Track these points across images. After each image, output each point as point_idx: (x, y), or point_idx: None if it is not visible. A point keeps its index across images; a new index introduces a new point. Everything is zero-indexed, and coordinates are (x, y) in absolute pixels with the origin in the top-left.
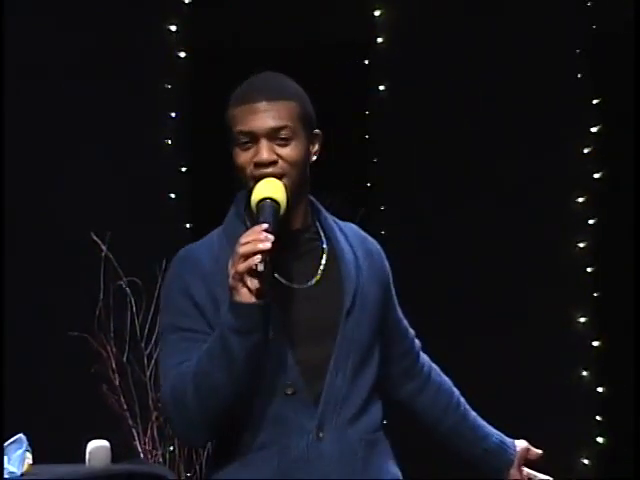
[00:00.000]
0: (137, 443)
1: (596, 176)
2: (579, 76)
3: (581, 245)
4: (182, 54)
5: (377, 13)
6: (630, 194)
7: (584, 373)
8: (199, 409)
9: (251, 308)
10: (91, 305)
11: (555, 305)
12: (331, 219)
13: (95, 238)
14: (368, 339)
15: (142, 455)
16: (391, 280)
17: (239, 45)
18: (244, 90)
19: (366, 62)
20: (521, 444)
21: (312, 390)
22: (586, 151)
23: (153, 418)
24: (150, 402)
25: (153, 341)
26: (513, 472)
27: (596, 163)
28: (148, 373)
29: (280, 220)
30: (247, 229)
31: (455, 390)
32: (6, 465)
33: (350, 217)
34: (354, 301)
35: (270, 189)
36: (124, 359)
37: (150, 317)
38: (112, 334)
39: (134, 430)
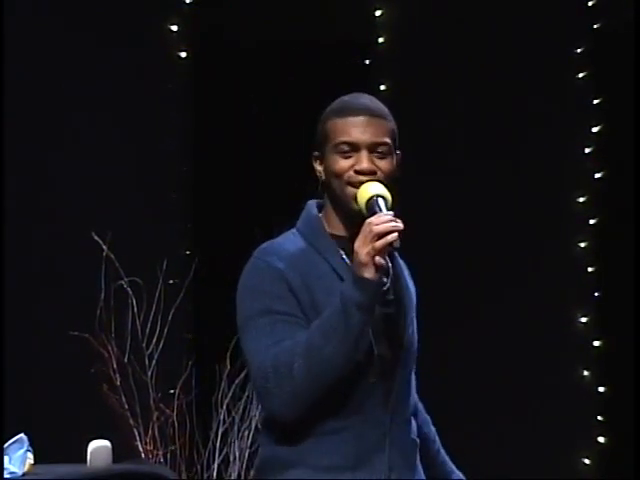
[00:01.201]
0: (138, 443)
1: (597, 176)
2: (580, 76)
3: (582, 245)
4: (182, 54)
5: (378, 13)
6: (630, 194)
7: (585, 373)
8: (306, 381)
9: (378, 285)
10: (92, 305)
11: (556, 305)
12: None
13: (96, 238)
14: (415, 350)
15: (143, 455)
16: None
17: (239, 45)
18: (344, 104)
19: (366, 62)
20: None
21: (386, 385)
22: (587, 151)
23: (154, 418)
24: (151, 402)
25: (154, 341)
26: None
27: (597, 163)
28: (149, 373)
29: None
30: (324, 231)
31: (432, 427)
32: (7, 465)
33: None
34: (412, 311)
35: (376, 188)
36: (125, 359)
37: (151, 317)
38: (113, 334)
39: (135, 430)
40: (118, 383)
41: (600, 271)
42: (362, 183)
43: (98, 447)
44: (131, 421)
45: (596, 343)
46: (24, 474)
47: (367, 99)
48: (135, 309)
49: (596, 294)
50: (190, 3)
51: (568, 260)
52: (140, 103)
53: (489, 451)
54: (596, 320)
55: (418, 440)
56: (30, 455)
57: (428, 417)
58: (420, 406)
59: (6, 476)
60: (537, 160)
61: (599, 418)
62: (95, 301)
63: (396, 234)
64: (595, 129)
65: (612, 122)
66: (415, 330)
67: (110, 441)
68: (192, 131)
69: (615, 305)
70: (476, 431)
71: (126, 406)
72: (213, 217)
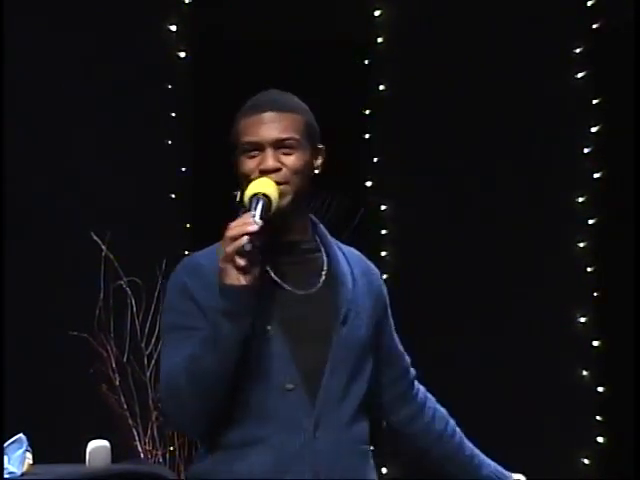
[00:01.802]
0: (137, 443)
1: (596, 176)
2: (579, 76)
3: (581, 245)
4: (182, 54)
5: (377, 13)
6: (630, 194)
7: (584, 373)
8: (192, 395)
9: (240, 291)
10: (91, 305)
11: (555, 305)
12: (332, 239)
13: (95, 238)
14: (362, 349)
15: (142, 455)
16: (388, 306)
17: (239, 45)
18: (251, 104)
19: (366, 62)
20: (518, 477)
21: (310, 389)
22: (586, 151)
23: (153, 418)
24: (150, 402)
25: (153, 341)
26: None
27: (596, 163)
28: (148, 373)
29: (279, 221)
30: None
31: (451, 420)
32: (6, 465)
33: (350, 217)
34: (349, 309)
35: (261, 186)
36: (124, 359)
37: (150, 317)
38: (112, 334)
39: (134, 430)
40: (117, 383)
41: (599, 271)
42: None
43: (97, 447)
44: (130, 421)
45: (595, 343)
46: (23, 474)
47: (275, 94)
48: (134, 309)
49: (595, 294)
50: (189, 3)
51: (567, 260)
52: (139, 103)
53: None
54: (595, 320)
55: (368, 447)
56: (29, 455)
57: (442, 411)
58: (430, 401)
59: (5, 476)
60: (536, 160)
61: (598, 418)
62: (94, 301)
63: (245, 238)
64: (594, 129)
65: (611, 122)
66: (369, 325)
67: (109, 441)
68: (191, 131)
69: (614, 305)
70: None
71: (125, 406)
72: (212, 217)
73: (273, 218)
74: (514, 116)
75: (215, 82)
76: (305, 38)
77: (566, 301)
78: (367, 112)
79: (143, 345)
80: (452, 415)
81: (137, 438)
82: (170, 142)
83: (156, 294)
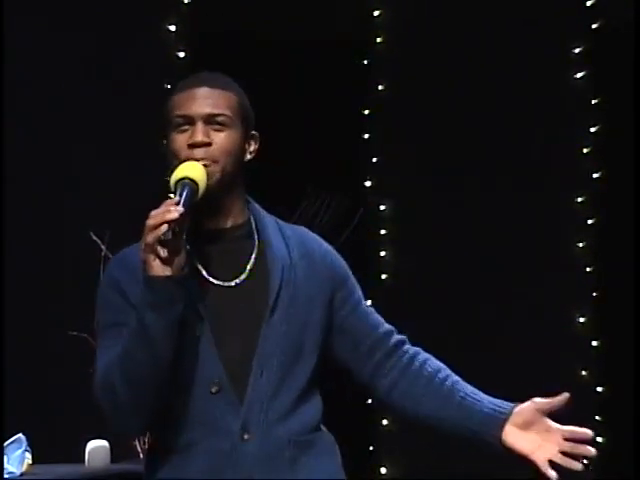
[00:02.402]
0: (136, 443)
1: (595, 176)
2: (578, 76)
3: (581, 245)
4: (181, 54)
5: (376, 13)
6: (630, 194)
7: (583, 373)
8: (126, 392)
9: (164, 281)
10: (91, 305)
11: (555, 305)
12: (271, 220)
13: (94, 238)
14: (299, 337)
15: (141, 455)
16: (346, 279)
17: (238, 45)
18: (186, 81)
19: (365, 62)
20: (523, 405)
21: (237, 389)
22: (585, 151)
23: None
24: None
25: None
26: (509, 440)
27: (595, 163)
28: None
29: (206, 205)
30: None
31: (441, 372)
32: (5, 465)
33: (349, 217)
34: (278, 298)
35: (188, 169)
36: None
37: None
38: None
39: None
40: None
41: (599, 271)
42: (193, 160)
43: (96, 447)
44: None
45: (595, 343)
46: (22, 474)
47: (210, 74)
48: None
49: (595, 294)
50: (188, 3)
51: (566, 260)
52: (139, 103)
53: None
54: (594, 320)
55: (315, 432)
56: (28, 455)
57: (432, 364)
58: (417, 360)
59: (4, 476)
60: (536, 160)
61: (597, 418)
62: (94, 301)
63: (165, 226)
64: (593, 129)
65: (611, 122)
66: (312, 309)
67: (108, 441)
68: None
69: (613, 305)
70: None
71: None
72: None
73: (200, 202)
74: (513, 116)
75: None
76: (305, 38)
77: (566, 301)
78: (366, 112)
79: None
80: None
81: (136, 438)
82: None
83: None
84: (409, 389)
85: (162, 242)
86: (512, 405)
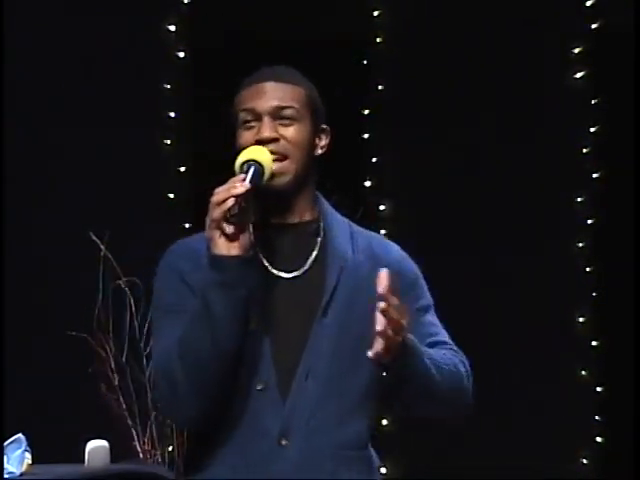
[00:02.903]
0: (136, 443)
1: (595, 176)
2: (578, 76)
3: (580, 245)
4: (181, 54)
5: (376, 13)
6: (630, 194)
7: (583, 373)
8: (185, 378)
9: (231, 260)
10: (90, 305)
11: (555, 305)
12: (342, 221)
13: (94, 238)
14: (355, 344)
15: (141, 455)
16: (415, 284)
17: (238, 45)
18: (253, 75)
19: (365, 62)
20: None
21: (283, 390)
22: (585, 151)
23: (152, 418)
24: (149, 402)
25: (152, 341)
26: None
27: (595, 163)
28: (147, 373)
29: (276, 202)
30: None
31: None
32: (5, 465)
33: (349, 217)
34: (332, 296)
35: (254, 152)
36: (123, 359)
37: (149, 317)
38: (111, 334)
39: (133, 430)
40: (116, 383)
41: (598, 271)
42: None
43: (96, 447)
44: (129, 421)
45: (594, 343)
46: (22, 474)
47: (278, 67)
48: (133, 309)
49: (594, 294)
50: (189, 3)
51: (566, 260)
52: (138, 103)
53: (487, 451)
54: (594, 320)
55: (360, 451)
56: (28, 455)
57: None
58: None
59: (4, 476)
60: (535, 160)
61: (597, 418)
62: (93, 301)
63: (231, 201)
64: (593, 129)
65: (610, 122)
66: (367, 315)
67: (108, 441)
68: (191, 131)
69: (613, 305)
70: (474, 430)
71: (124, 406)
72: None
73: (269, 198)
74: (513, 116)
75: (214, 82)
76: (304, 38)
77: (565, 301)
78: (366, 112)
79: (142, 345)
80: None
81: (136, 438)
82: (169, 142)
83: None
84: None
85: (228, 218)
86: None
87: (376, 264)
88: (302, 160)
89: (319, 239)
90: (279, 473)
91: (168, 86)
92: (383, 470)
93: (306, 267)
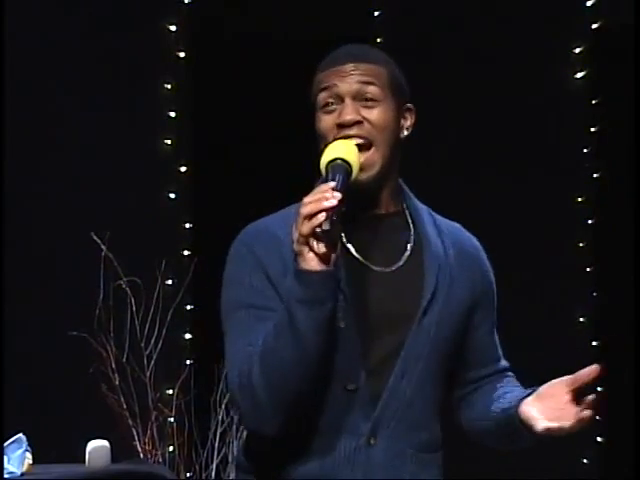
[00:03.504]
0: (137, 443)
1: (595, 176)
2: (578, 76)
3: (581, 245)
4: (182, 54)
5: (376, 13)
6: (630, 194)
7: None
8: (267, 392)
9: (319, 276)
10: (91, 305)
11: (555, 305)
12: (425, 210)
13: (95, 238)
14: (446, 344)
15: (142, 455)
16: (493, 294)
17: (238, 45)
18: (333, 55)
19: None
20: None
21: (374, 389)
22: (585, 151)
23: (152, 418)
24: (150, 402)
25: (153, 341)
26: (523, 409)
27: (595, 163)
28: (148, 373)
29: (362, 194)
30: None
31: (504, 382)
32: (6, 465)
33: None
34: (434, 295)
35: (341, 150)
36: (124, 359)
37: (150, 317)
38: (112, 334)
39: (134, 430)
40: (117, 383)
41: (599, 271)
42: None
43: (96, 447)
44: (130, 421)
45: (595, 343)
46: (23, 474)
47: (357, 47)
48: (134, 309)
49: (595, 294)
50: (189, 3)
51: (566, 260)
52: (139, 103)
53: (487, 451)
54: (595, 320)
55: (436, 453)
56: (29, 455)
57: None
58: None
59: (5, 476)
60: (535, 160)
61: (597, 418)
62: (94, 301)
63: (322, 215)
64: (594, 129)
65: (611, 122)
66: (460, 316)
67: (109, 441)
68: (191, 131)
69: (614, 305)
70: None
71: (125, 406)
72: (212, 217)
73: (356, 190)
74: (514, 116)
75: (215, 82)
76: (305, 38)
77: (566, 301)
78: None
79: (143, 345)
80: (450, 414)
81: (137, 438)
82: (170, 142)
83: (156, 294)
84: (471, 404)
85: (318, 235)
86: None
87: (465, 261)
88: (388, 145)
89: (410, 233)
90: (365, 473)
91: (168, 86)
92: None
93: (401, 263)
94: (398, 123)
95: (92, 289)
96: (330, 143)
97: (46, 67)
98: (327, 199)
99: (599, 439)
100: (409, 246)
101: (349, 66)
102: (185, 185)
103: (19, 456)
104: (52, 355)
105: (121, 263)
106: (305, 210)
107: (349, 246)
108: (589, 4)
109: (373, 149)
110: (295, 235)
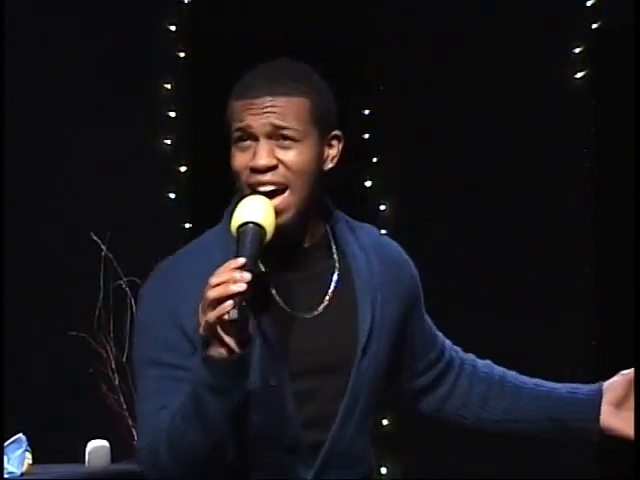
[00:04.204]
0: (137, 443)
1: (595, 176)
2: (578, 76)
3: (580, 245)
4: (182, 54)
5: (377, 13)
6: (629, 194)
7: (583, 373)
8: (175, 471)
9: (227, 364)
10: (91, 305)
11: (554, 305)
12: (346, 227)
13: (95, 238)
14: (384, 370)
15: None
16: (418, 290)
17: (238, 45)
18: (248, 80)
19: (365, 62)
20: (611, 381)
21: (315, 439)
22: (585, 151)
23: None
24: None
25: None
26: (608, 421)
27: (595, 163)
28: None
29: (278, 234)
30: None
31: (495, 372)
32: (6, 465)
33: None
34: (370, 333)
35: (254, 211)
36: (123, 359)
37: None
38: (112, 334)
39: (133, 430)
40: (117, 383)
41: (598, 271)
42: (259, 185)
43: (96, 447)
44: (129, 421)
45: (594, 343)
46: (22, 474)
47: (277, 70)
48: (134, 309)
49: (594, 294)
50: (189, 3)
51: (566, 260)
52: (139, 103)
53: (487, 451)
54: (594, 320)
55: (371, 465)
56: (28, 455)
57: (483, 368)
58: (466, 368)
59: (5, 476)
60: (535, 160)
61: None
62: (94, 301)
63: (229, 303)
64: (593, 129)
65: (610, 122)
66: (394, 336)
67: (108, 441)
68: (191, 131)
69: (613, 305)
70: (474, 431)
71: (124, 406)
72: (212, 217)
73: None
74: (514, 116)
75: (215, 82)
76: (305, 38)
77: (565, 301)
78: (367, 112)
79: None
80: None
81: (136, 438)
82: (169, 142)
83: None
84: (466, 400)
85: (225, 323)
86: (598, 384)
87: (392, 274)
88: (305, 188)
89: (335, 264)
90: None
91: (168, 86)
92: (383, 470)
93: (327, 303)
94: (321, 157)
95: (92, 289)
96: (244, 197)
97: (46, 67)
98: (235, 281)
99: (598, 439)
100: (334, 280)
101: (265, 100)
102: (185, 185)
103: (19, 456)
104: (52, 355)
105: (121, 263)
106: (211, 295)
107: (273, 292)
108: (589, 4)
109: (288, 193)
110: (200, 318)
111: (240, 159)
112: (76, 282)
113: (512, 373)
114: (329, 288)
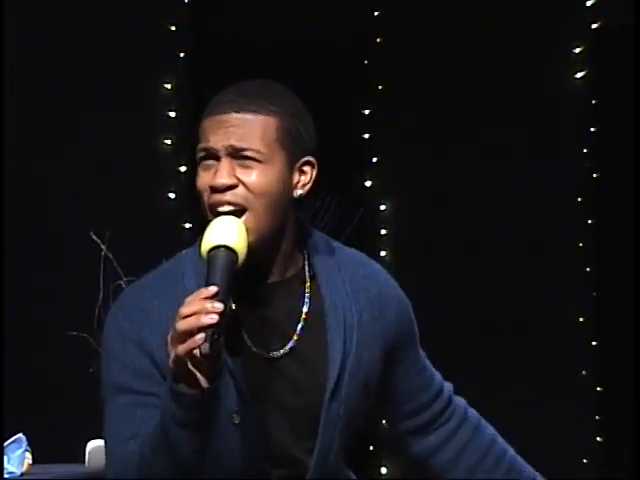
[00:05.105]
0: None
1: (595, 176)
2: (578, 76)
3: (580, 245)
4: (182, 54)
5: (376, 13)
6: (630, 194)
7: (583, 372)
8: None
9: (196, 398)
10: (90, 305)
11: (554, 305)
12: (328, 257)
13: (94, 238)
14: (358, 415)
15: None
16: (408, 326)
17: (239, 45)
18: (219, 97)
19: (365, 62)
20: None
21: (293, 474)
22: (585, 151)
23: None
24: None
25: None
26: None
27: (595, 163)
28: None
29: (245, 272)
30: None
31: (496, 446)
32: (6, 465)
33: (350, 217)
34: (340, 379)
35: (222, 234)
36: None
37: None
38: None
39: None
40: None
41: (598, 271)
42: (218, 206)
43: (96, 447)
44: None
45: (594, 343)
46: (22, 474)
47: (248, 89)
48: None
49: (594, 294)
50: (189, 3)
51: (566, 260)
52: (139, 103)
53: None
54: (594, 320)
55: None
56: (28, 455)
57: (486, 435)
58: (466, 427)
59: (5, 476)
60: (535, 160)
61: (597, 418)
62: (93, 301)
63: (201, 337)
64: (593, 129)
65: (610, 122)
66: (371, 376)
67: None
68: (191, 131)
69: (613, 305)
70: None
71: None
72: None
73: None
74: (513, 116)
75: (215, 82)
76: (305, 38)
77: (565, 301)
78: (367, 112)
79: None
80: None
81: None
82: (170, 142)
83: None
84: (454, 461)
85: (196, 357)
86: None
87: (375, 311)
88: (267, 211)
89: (306, 300)
90: None
91: (168, 86)
92: (383, 470)
93: (291, 344)
94: (289, 181)
95: (92, 289)
96: (212, 220)
97: (46, 67)
98: (207, 312)
99: (597, 438)
100: (302, 318)
101: (230, 117)
102: (185, 185)
103: (19, 456)
104: (52, 355)
105: (121, 263)
106: (181, 327)
107: (242, 328)
108: (589, 4)
109: (247, 215)
110: (170, 350)
111: (203, 178)
112: (76, 282)
113: (498, 448)
114: (297, 326)
